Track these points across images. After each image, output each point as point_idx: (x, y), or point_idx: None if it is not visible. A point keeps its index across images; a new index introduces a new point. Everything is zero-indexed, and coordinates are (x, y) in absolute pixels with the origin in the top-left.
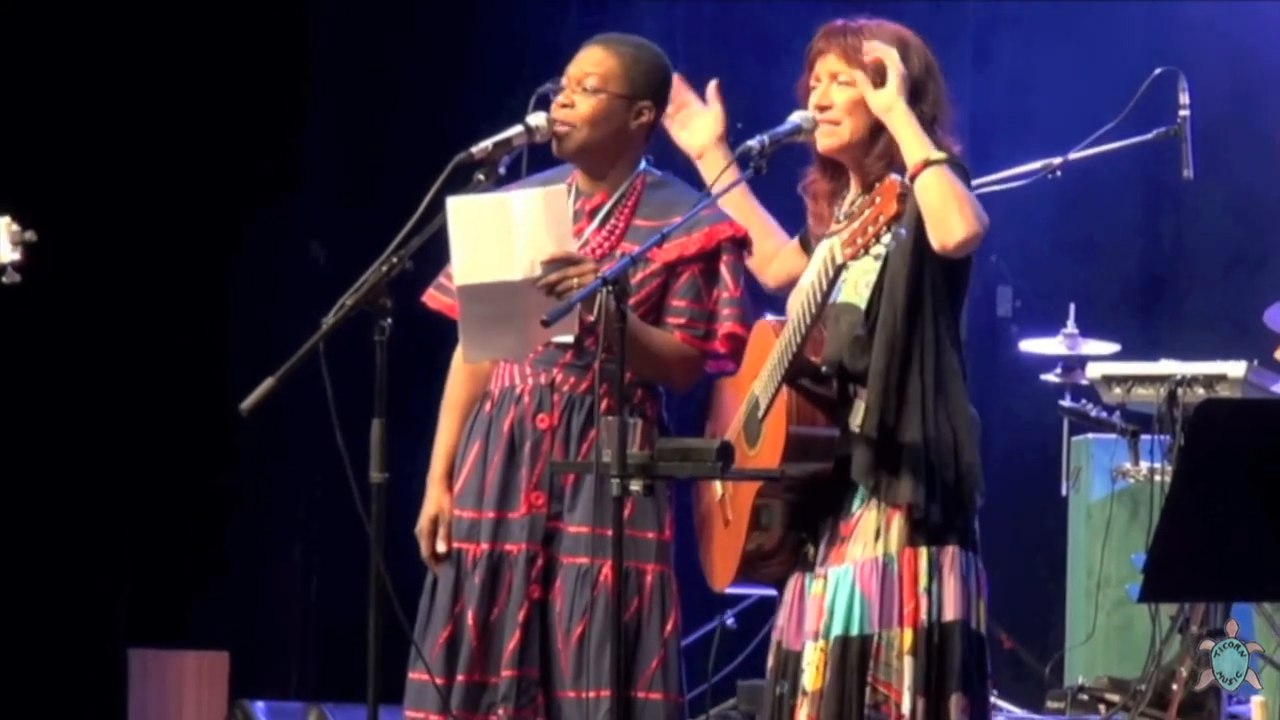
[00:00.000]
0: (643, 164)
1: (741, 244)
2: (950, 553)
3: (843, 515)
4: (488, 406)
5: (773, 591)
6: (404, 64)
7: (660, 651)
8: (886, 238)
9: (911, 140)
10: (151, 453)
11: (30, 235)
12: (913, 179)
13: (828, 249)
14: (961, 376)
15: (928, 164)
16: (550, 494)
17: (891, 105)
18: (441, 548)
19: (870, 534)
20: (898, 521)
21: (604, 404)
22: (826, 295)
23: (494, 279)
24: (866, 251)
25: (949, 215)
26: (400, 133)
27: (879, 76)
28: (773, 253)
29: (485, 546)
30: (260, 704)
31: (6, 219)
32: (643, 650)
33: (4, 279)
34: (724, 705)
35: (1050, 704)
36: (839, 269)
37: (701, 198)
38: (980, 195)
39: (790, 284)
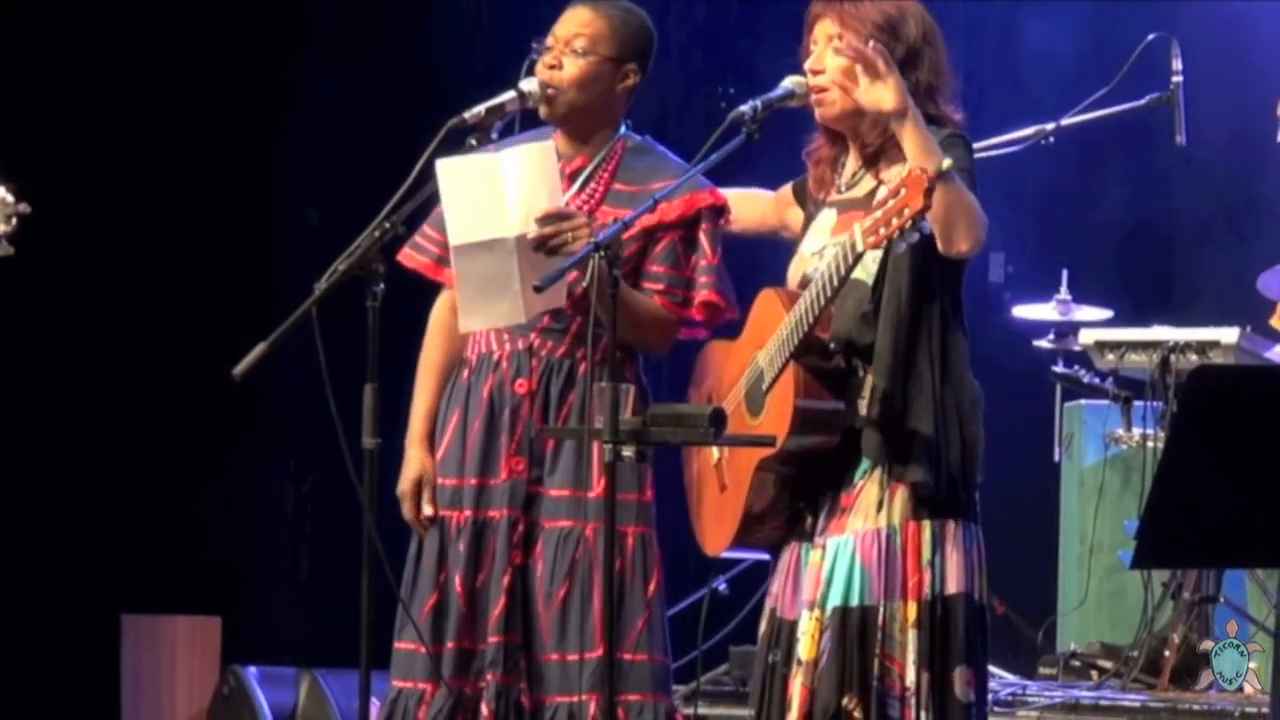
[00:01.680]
0: (623, 128)
1: (720, 212)
2: (953, 525)
3: (844, 486)
4: (465, 374)
5: (765, 556)
6: (399, 27)
7: (645, 613)
8: (913, 237)
9: (918, 149)
10: (144, 419)
11: (24, 207)
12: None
13: (832, 225)
14: (964, 348)
15: (939, 176)
16: (530, 459)
17: (897, 112)
18: (428, 510)
19: (872, 505)
20: (901, 494)
21: (582, 367)
22: (844, 280)
23: (488, 237)
24: (889, 243)
25: (955, 229)
26: (395, 96)
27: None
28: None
29: (469, 513)
30: (253, 669)
31: (2, 190)
32: (627, 612)
33: None
34: (716, 671)
35: (1042, 670)
36: (859, 256)
37: (692, 166)
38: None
39: (756, 228)
